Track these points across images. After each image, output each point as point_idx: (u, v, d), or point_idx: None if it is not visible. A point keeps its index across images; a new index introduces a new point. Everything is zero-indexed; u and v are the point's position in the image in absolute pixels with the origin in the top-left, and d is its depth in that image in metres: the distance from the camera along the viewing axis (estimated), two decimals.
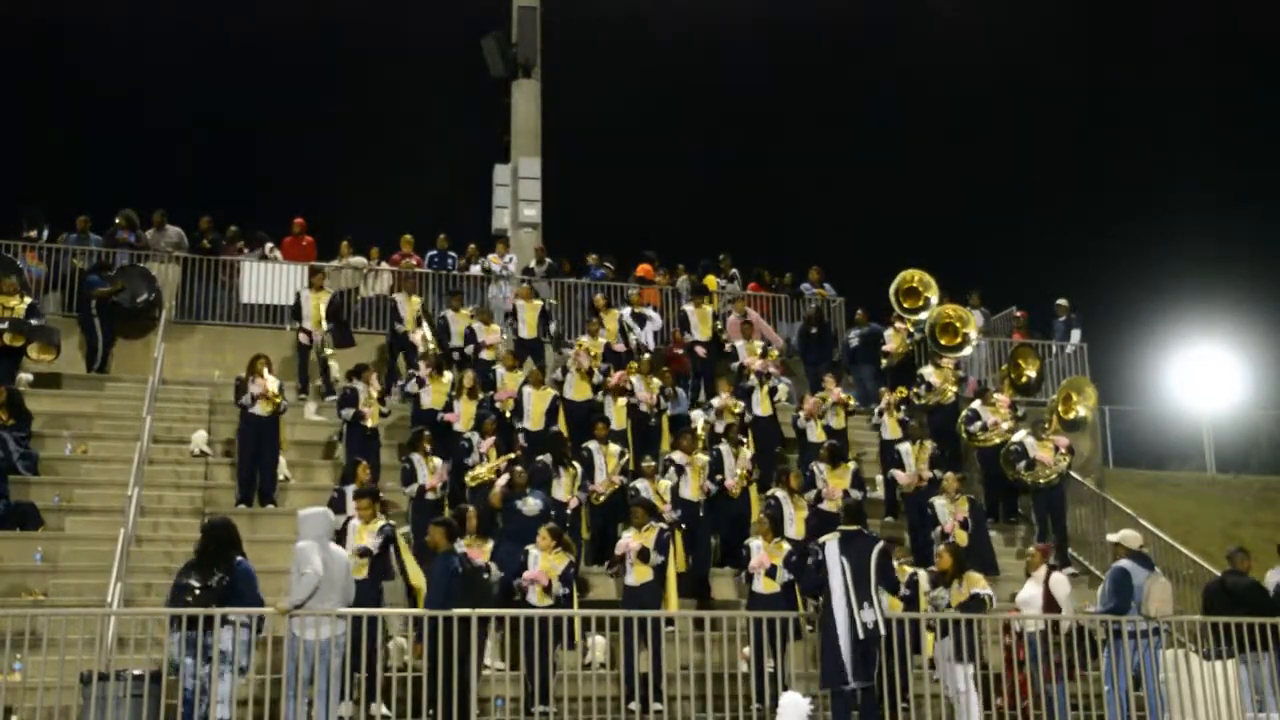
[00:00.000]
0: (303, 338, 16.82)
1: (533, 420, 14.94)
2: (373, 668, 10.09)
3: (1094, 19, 36.45)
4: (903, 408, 16.45)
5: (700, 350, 17.72)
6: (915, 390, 17.08)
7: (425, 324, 17.26)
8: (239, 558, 9.78)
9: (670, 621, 11.89)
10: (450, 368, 15.88)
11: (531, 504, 12.98)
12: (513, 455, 14.04)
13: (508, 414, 15.01)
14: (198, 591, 9.48)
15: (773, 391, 16.42)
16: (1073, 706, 11.16)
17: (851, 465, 14.97)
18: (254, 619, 9.52)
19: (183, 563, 10.09)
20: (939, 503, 14.53)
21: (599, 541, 14.06)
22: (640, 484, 13.78)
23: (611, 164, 33.96)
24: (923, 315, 18.41)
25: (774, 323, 20.11)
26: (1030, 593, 12.04)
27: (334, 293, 17.51)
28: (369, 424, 14.77)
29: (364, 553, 11.46)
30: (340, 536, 11.38)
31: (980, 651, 11.15)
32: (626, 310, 18.19)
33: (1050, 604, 11.72)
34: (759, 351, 17.05)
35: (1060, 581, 11.92)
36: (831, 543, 10.71)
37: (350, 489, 12.71)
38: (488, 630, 11.37)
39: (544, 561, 11.81)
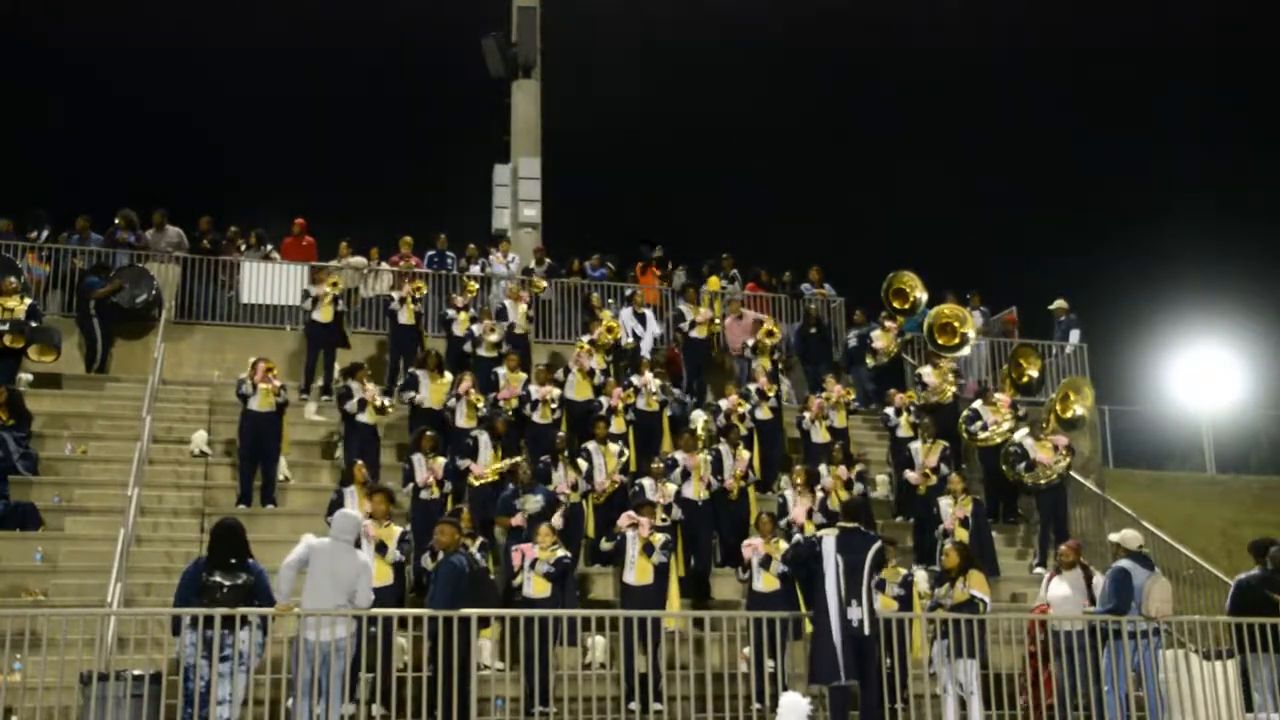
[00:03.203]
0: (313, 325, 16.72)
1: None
2: (380, 668, 10.07)
3: (1094, 19, 36.49)
4: (912, 408, 16.45)
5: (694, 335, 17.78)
6: (913, 389, 17.12)
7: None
8: (250, 559, 9.80)
9: (669, 623, 11.89)
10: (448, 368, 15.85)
11: (533, 501, 12.98)
12: (518, 459, 14.04)
13: (510, 414, 15.00)
14: (225, 590, 9.50)
15: (775, 410, 16.42)
16: (1073, 707, 11.16)
17: (841, 470, 14.96)
18: (265, 619, 9.53)
19: (188, 562, 10.07)
20: (944, 501, 14.56)
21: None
22: (646, 482, 13.75)
23: (611, 164, 33.98)
24: (918, 312, 18.52)
25: None
26: (1062, 591, 11.98)
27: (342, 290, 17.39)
28: (368, 419, 14.65)
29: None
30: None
31: (982, 651, 11.14)
32: (627, 310, 18.19)
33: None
34: (769, 350, 17.13)
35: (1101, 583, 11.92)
36: (829, 538, 10.66)
37: (349, 490, 12.68)
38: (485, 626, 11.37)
39: (541, 554, 11.85)
